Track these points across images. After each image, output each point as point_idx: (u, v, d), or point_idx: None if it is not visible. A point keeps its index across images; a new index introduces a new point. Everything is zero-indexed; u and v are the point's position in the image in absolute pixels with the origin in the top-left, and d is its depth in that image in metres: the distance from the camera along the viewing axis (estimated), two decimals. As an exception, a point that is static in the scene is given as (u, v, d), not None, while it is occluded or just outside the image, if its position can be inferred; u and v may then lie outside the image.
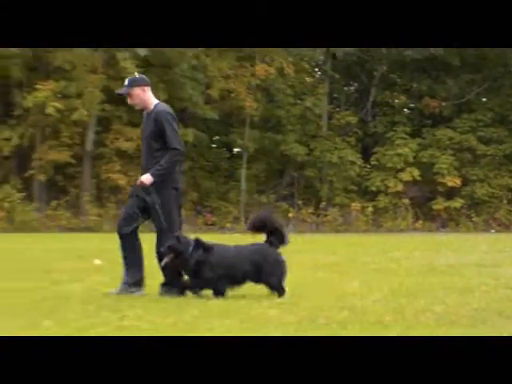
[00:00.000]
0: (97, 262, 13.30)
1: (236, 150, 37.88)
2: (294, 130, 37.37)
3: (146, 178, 8.45)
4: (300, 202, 36.45)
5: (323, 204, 36.05)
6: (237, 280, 8.50)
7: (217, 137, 38.54)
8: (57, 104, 30.54)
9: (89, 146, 32.35)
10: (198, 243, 8.40)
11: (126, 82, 8.94)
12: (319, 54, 40.14)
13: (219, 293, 8.40)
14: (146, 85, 8.93)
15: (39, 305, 7.72)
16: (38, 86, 30.78)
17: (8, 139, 31.27)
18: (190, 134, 32.35)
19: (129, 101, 9.05)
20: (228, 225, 33.69)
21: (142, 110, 9.17)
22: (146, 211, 8.72)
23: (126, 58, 30.08)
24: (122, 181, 32.02)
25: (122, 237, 8.79)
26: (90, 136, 32.38)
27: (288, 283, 8.57)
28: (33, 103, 30.60)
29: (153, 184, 8.44)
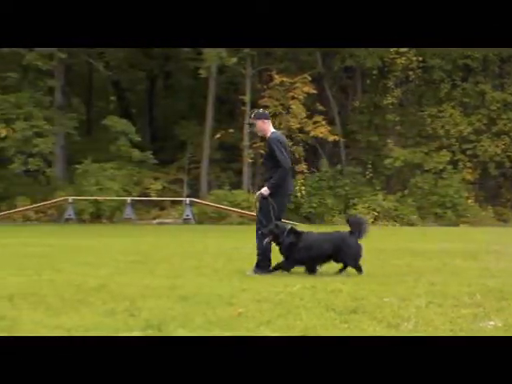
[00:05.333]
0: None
1: None
2: None
3: (265, 190, 8.28)
4: None
5: None
6: (322, 259, 8.13)
7: None
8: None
9: None
10: (291, 230, 8.23)
11: (252, 115, 8.66)
12: None
13: (311, 271, 8.05)
14: (266, 118, 8.57)
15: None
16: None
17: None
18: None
19: (254, 129, 8.79)
20: None
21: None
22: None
23: None
24: None
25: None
26: None
27: None
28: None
29: (270, 194, 8.30)
